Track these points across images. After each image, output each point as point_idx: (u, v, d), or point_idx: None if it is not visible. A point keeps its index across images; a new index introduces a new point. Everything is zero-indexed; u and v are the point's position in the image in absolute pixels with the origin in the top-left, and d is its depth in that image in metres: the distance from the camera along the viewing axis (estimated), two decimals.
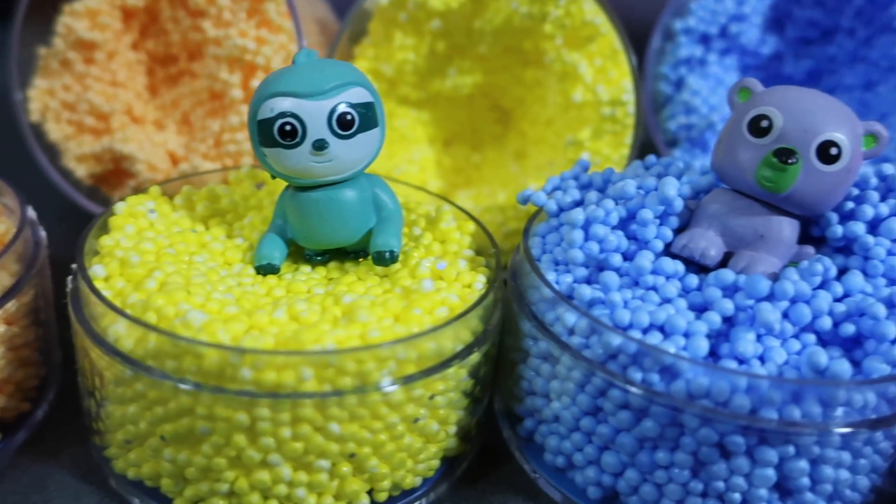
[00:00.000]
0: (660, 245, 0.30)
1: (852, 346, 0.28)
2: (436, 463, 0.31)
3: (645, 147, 0.47)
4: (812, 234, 0.31)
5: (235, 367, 0.26)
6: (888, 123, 0.44)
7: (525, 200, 0.34)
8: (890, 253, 0.29)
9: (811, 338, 0.28)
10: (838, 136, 0.28)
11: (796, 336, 0.28)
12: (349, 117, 0.30)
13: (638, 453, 0.28)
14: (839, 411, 0.26)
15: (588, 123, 0.42)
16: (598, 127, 0.42)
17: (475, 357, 0.30)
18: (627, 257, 0.30)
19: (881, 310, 0.27)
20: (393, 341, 0.27)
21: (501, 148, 0.50)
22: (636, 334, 0.27)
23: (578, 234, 0.30)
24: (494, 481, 0.33)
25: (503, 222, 0.44)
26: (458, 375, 0.30)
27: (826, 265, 0.28)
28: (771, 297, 0.27)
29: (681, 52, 0.47)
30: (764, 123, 0.28)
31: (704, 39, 0.47)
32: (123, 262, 0.30)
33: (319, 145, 0.29)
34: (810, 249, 0.31)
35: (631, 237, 0.31)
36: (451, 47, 0.45)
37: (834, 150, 0.28)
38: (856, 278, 0.28)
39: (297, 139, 0.29)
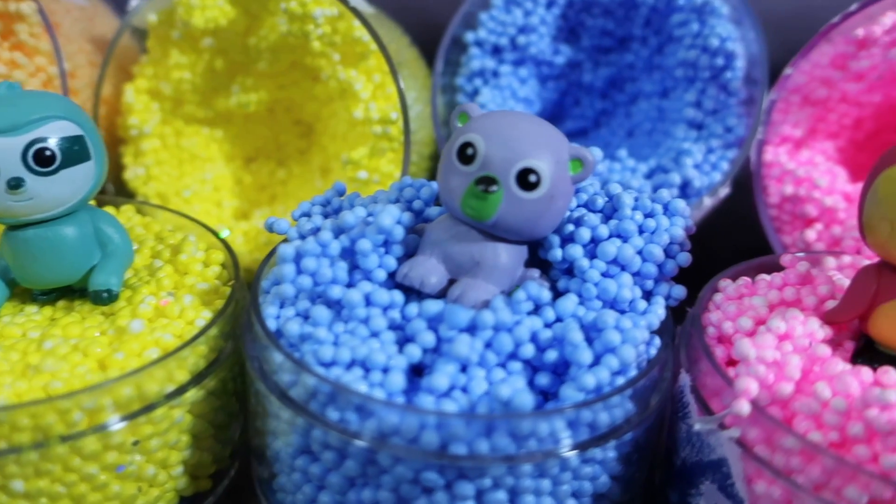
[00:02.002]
0: (383, 275, 0.30)
1: (565, 371, 0.28)
2: None
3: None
4: (541, 256, 0.31)
5: None
6: (675, 131, 0.45)
7: (270, 227, 0.33)
8: (606, 275, 0.30)
9: (517, 366, 0.27)
10: (537, 164, 0.27)
11: (503, 365, 0.28)
12: (48, 153, 0.28)
13: (348, 492, 0.27)
14: (532, 442, 0.26)
15: (370, 141, 0.42)
16: (375, 145, 0.41)
17: (193, 395, 0.29)
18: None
19: (577, 336, 0.27)
20: (72, 393, 0.26)
21: (307, 163, 0.49)
22: (338, 371, 0.27)
23: (290, 268, 0.29)
24: None
25: None
26: (172, 416, 0.29)
27: (531, 292, 0.28)
28: (473, 327, 0.27)
29: (473, 65, 0.46)
30: (469, 151, 0.28)
31: (496, 51, 0.47)
32: None
33: (14, 184, 0.28)
34: (535, 273, 0.31)
35: (358, 267, 0.30)
36: (230, 65, 0.44)
37: (533, 178, 0.27)
38: (567, 303, 0.28)
39: None
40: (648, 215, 0.31)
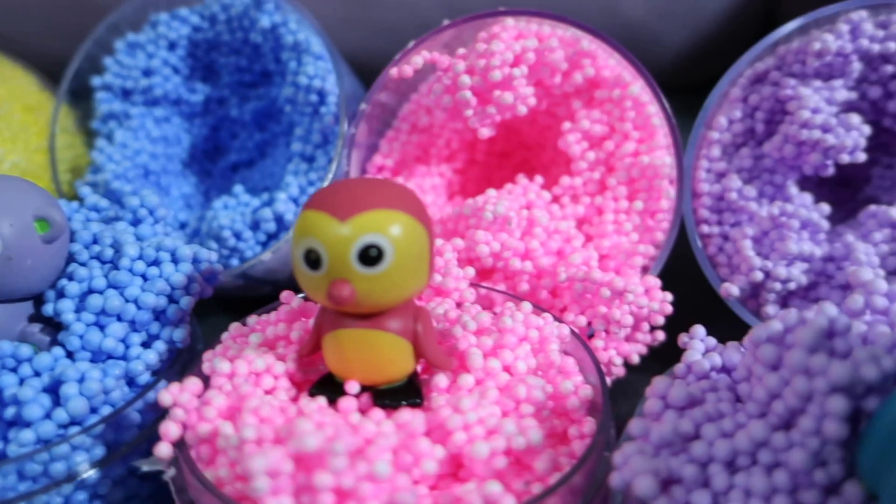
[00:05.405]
0: None
1: None
2: None
3: None
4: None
5: None
6: (289, 164, 0.46)
7: None
8: (98, 325, 0.31)
9: None
10: None
11: None
12: None
13: None
14: None
15: None
16: None
17: None
18: None
19: (25, 392, 0.28)
20: None
21: None
22: None
23: None
24: None
25: None
26: None
27: None
28: None
29: (103, 108, 0.47)
30: None
31: (126, 93, 0.48)
32: None
33: None
34: (35, 328, 0.32)
35: None
36: None
37: None
38: (42, 358, 0.30)
39: None
40: (154, 263, 0.33)
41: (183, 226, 0.46)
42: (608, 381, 0.38)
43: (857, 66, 0.38)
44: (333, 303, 0.26)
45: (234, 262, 0.42)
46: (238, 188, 0.46)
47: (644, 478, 0.23)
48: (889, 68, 0.38)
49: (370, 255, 0.26)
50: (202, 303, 0.41)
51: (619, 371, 0.38)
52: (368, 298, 0.27)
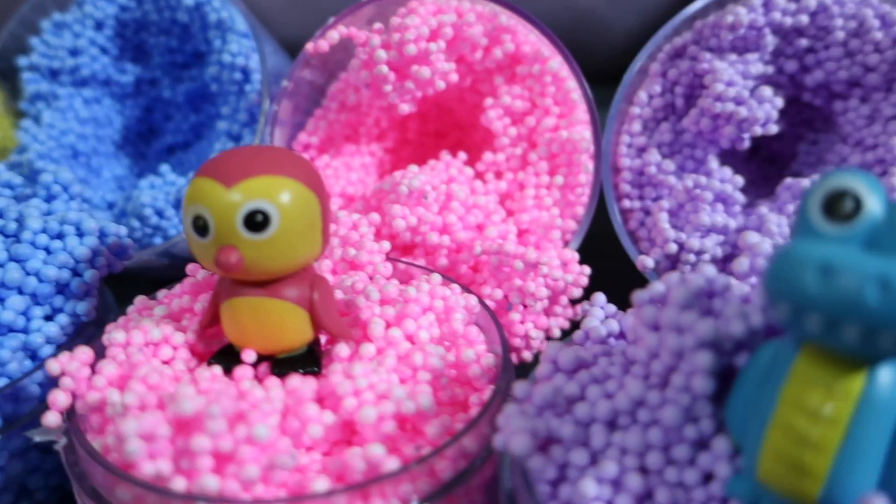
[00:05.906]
0: None
1: None
2: None
3: None
4: None
5: None
6: (216, 143, 0.46)
7: None
8: None
9: None
10: None
11: None
12: None
13: None
14: None
15: None
16: None
17: None
18: None
19: None
20: None
21: None
22: None
23: None
24: None
25: None
26: None
27: None
28: None
29: (30, 89, 0.47)
30: None
31: (54, 73, 0.47)
32: None
33: None
34: None
35: None
36: None
37: None
38: None
39: None
40: (58, 237, 0.32)
41: (111, 206, 0.46)
42: (528, 354, 0.38)
43: (770, 40, 0.38)
44: (221, 269, 0.26)
45: (158, 240, 0.42)
46: (164, 167, 0.45)
47: (520, 437, 0.24)
48: (803, 42, 0.38)
49: (256, 221, 0.26)
50: (130, 283, 0.41)
51: (539, 344, 0.38)
52: (256, 265, 0.26)
